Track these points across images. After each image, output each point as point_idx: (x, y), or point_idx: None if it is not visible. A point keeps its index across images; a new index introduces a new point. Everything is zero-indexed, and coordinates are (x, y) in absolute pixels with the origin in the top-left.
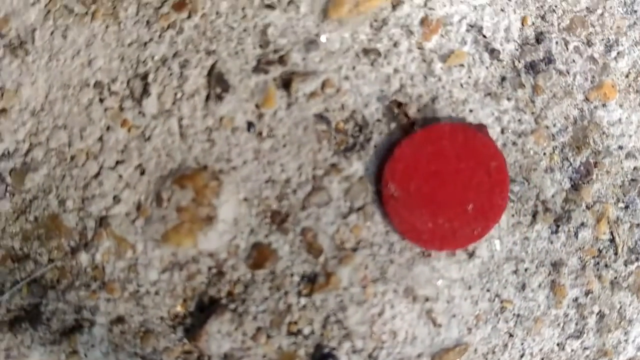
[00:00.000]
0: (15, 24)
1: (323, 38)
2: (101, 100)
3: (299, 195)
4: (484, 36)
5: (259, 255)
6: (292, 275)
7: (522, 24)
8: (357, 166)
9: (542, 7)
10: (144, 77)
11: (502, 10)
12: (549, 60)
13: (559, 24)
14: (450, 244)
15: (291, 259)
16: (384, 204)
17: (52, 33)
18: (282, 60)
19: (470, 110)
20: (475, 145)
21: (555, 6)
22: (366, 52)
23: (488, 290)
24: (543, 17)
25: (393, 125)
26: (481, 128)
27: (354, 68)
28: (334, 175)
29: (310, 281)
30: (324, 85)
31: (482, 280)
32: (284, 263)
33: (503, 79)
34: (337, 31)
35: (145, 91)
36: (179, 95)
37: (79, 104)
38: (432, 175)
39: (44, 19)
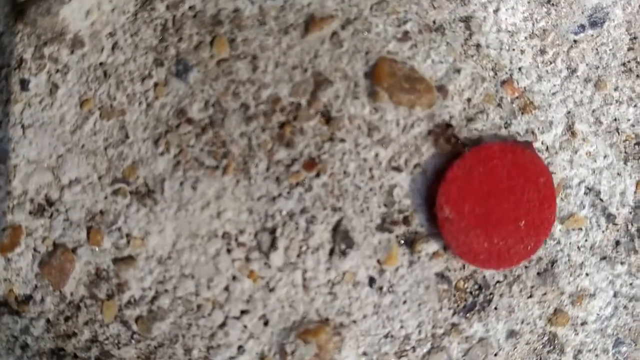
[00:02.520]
0: (144, 173)
1: None
2: (229, 251)
3: (418, 353)
4: (601, 200)
5: None
6: None
7: (637, 188)
8: (477, 327)
9: None
10: (272, 230)
11: (618, 174)
12: None
13: None
14: (506, 262)
15: None
16: (439, 227)
17: (181, 184)
18: (406, 221)
19: (587, 274)
20: (524, 162)
21: None
22: None
23: None
24: None
25: (514, 287)
26: (528, 145)
27: None
28: (455, 336)
29: None
30: (446, 246)
31: None
32: None
33: (617, 243)
34: None
35: (273, 244)
36: (304, 248)
37: (206, 253)
38: (484, 195)
39: (173, 169)
